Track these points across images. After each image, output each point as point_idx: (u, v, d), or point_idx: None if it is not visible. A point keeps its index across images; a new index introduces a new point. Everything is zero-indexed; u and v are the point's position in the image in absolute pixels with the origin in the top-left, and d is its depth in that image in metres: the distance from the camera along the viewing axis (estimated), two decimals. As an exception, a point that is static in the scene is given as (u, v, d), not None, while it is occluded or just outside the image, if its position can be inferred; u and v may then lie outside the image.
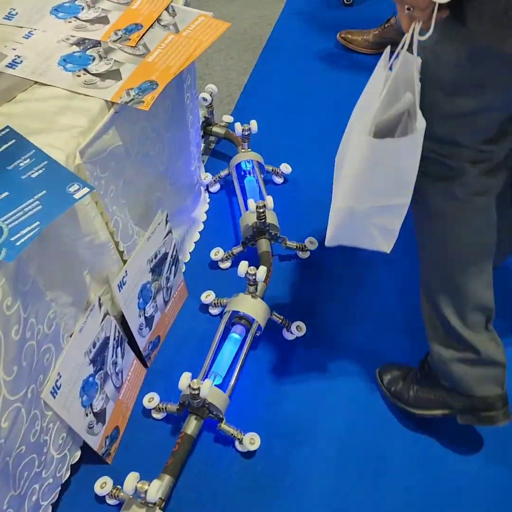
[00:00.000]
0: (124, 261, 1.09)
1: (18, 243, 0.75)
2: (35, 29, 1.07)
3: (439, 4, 0.71)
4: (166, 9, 1.12)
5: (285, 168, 1.60)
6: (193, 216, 1.52)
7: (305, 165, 1.67)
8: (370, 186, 0.87)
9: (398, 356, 1.28)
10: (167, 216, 1.19)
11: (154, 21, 1.09)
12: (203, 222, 1.56)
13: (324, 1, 2.31)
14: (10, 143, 0.87)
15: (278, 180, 1.63)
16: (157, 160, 1.17)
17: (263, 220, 1.34)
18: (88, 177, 0.91)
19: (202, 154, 1.67)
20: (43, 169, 0.84)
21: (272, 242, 1.41)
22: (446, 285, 1.03)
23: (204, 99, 1.57)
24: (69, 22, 1.09)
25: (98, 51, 1.03)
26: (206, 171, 1.64)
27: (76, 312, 0.99)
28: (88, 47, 1.03)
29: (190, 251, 1.49)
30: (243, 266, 1.20)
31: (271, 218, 1.37)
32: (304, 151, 1.73)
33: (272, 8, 2.29)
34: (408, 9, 0.75)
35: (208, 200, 1.61)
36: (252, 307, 1.23)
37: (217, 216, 1.58)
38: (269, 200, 1.33)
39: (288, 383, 1.25)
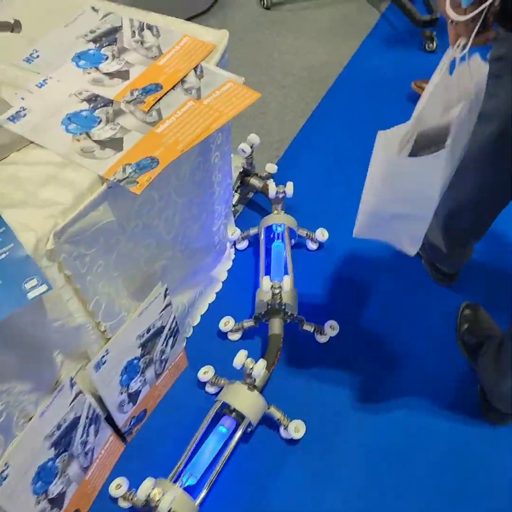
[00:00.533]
0: (108, 339, 1.00)
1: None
2: (50, 77, 0.99)
3: (486, 24, 0.74)
4: (195, 68, 1.01)
5: (321, 234, 1.46)
6: (212, 274, 1.41)
7: (345, 234, 1.51)
8: (391, 198, 0.89)
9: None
10: (166, 290, 1.08)
11: (178, 82, 0.98)
12: (222, 282, 1.44)
13: (404, 45, 2.13)
14: (-19, 216, 0.79)
15: (312, 246, 1.49)
16: (163, 229, 1.07)
17: (279, 301, 1.21)
18: (64, 260, 0.81)
19: (236, 205, 1.56)
20: (7, 253, 0.75)
21: (288, 321, 1.28)
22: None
23: (243, 151, 1.46)
24: (88, 72, 1.00)
25: (107, 112, 0.93)
26: (239, 223, 1.53)
27: (38, 397, 0.90)
28: (98, 106, 0.94)
29: (202, 313, 1.38)
30: (240, 357, 1.08)
31: (289, 297, 1.24)
32: (348, 217, 1.56)
33: (346, 47, 2.13)
34: (451, 22, 0.77)
35: (233, 257, 1.49)
36: (246, 401, 1.11)
37: (239, 276, 1.46)
38: (286, 282, 1.20)
39: (273, 492, 1.12)
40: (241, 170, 1.52)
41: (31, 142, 0.89)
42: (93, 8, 1.13)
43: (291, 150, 1.76)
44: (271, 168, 1.61)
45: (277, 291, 1.19)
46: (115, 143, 0.88)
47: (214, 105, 0.95)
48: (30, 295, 0.72)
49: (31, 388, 0.87)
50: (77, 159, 0.86)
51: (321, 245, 1.50)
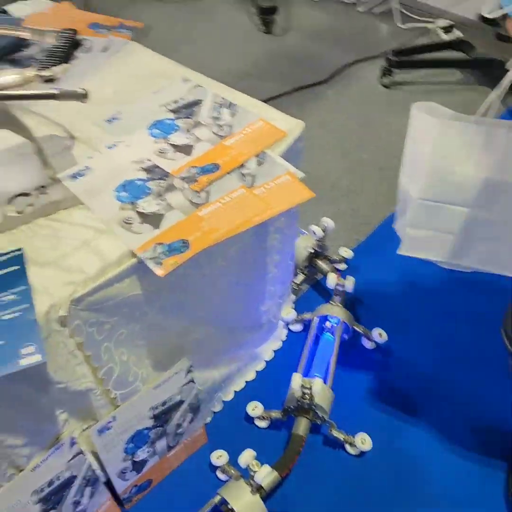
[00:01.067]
0: (118, 405, 0.99)
1: None
2: (122, 141, 1.03)
3: None
4: (257, 155, 0.99)
5: (379, 335, 1.36)
6: (256, 351, 1.37)
7: (406, 341, 1.41)
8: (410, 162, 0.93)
9: None
10: (191, 366, 1.05)
11: (237, 166, 0.97)
12: (266, 361, 1.39)
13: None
14: (12, 268, 0.82)
15: (368, 344, 1.39)
16: (199, 306, 1.05)
17: (308, 401, 1.13)
18: (76, 327, 0.82)
19: (301, 284, 1.51)
20: (19, 314, 0.76)
21: (318, 423, 1.19)
22: None
23: (314, 233, 1.41)
24: (156, 142, 1.02)
25: (159, 185, 0.94)
26: (300, 303, 1.48)
27: (34, 451, 0.90)
28: (154, 177, 0.95)
29: (237, 390, 1.33)
30: (246, 457, 1.02)
31: (322, 398, 1.15)
32: (413, 323, 1.46)
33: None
34: None
35: (284, 338, 1.43)
36: (245, 504, 1.03)
37: (286, 359, 1.39)
38: (317, 384, 1.12)
39: None
40: (312, 251, 1.47)
41: (82, 203, 0.92)
42: (184, 78, 1.17)
43: (373, 237, 1.68)
44: (346, 252, 1.55)
45: (307, 391, 1.11)
46: (155, 219, 0.88)
47: (265, 197, 0.92)
48: (22, 362, 0.72)
49: (25, 443, 0.87)
50: (115, 229, 0.87)
51: (378, 345, 1.40)
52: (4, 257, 0.83)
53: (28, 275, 0.80)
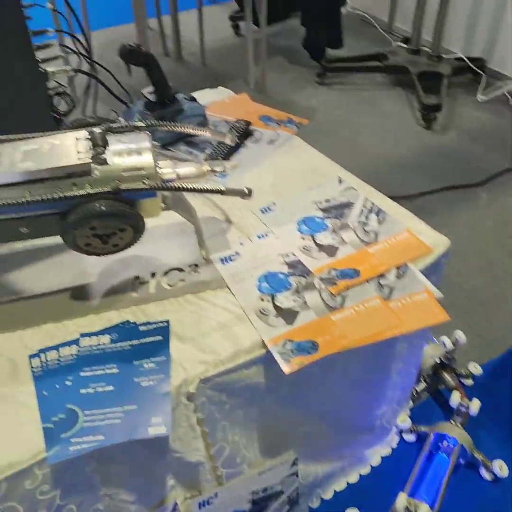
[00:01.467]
0: (221, 482, 1.02)
1: (71, 448, 0.76)
2: (272, 233, 1.10)
3: None
4: (398, 267, 1.01)
5: (499, 467, 1.26)
6: (363, 453, 1.33)
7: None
8: None
9: None
10: (296, 459, 1.06)
11: (376, 276, 0.99)
12: (372, 466, 1.35)
13: None
14: (156, 338, 0.90)
15: (486, 475, 1.30)
16: (314, 401, 1.06)
17: (411, 524, 1.08)
18: (201, 404, 0.87)
19: (422, 392, 1.46)
20: (154, 382, 0.84)
21: (418, 549, 1.13)
22: None
23: (444, 345, 1.37)
24: (303, 238, 1.08)
25: (299, 282, 0.99)
26: (417, 411, 1.42)
27: (139, 509, 0.96)
28: (296, 273, 1.01)
29: (337, 490, 1.30)
30: None
31: (426, 525, 1.10)
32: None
33: None
34: None
35: (395, 446, 1.39)
36: None
37: (393, 469, 1.34)
38: (424, 510, 1.06)
39: None
40: (438, 361, 1.42)
41: (227, 286, 1.00)
42: (339, 179, 1.23)
43: (507, 357, 1.59)
44: (475, 369, 1.48)
45: (411, 514, 1.07)
46: (289, 315, 0.93)
47: (399, 312, 0.93)
48: (151, 431, 0.78)
49: (135, 500, 0.94)
50: (251, 318, 0.93)
51: (496, 478, 1.29)
52: (152, 326, 0.92)
53: (170, 347, 0.88)
